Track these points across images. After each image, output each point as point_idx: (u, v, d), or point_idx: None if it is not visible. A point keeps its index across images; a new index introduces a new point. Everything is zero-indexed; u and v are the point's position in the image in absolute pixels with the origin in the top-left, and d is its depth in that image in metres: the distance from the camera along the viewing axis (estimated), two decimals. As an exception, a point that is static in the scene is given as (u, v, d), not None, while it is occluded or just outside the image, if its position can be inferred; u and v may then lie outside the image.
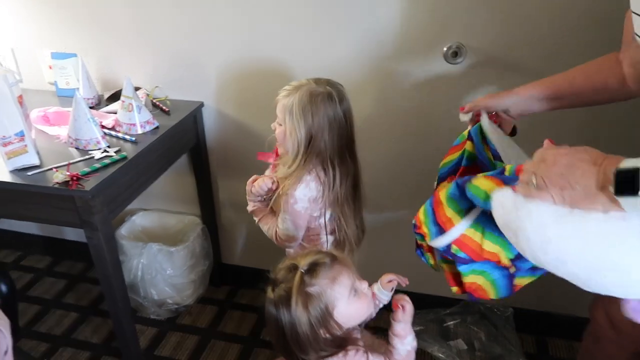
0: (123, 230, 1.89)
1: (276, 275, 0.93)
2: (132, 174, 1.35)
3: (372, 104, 1.56)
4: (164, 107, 1.60)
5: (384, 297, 1.09)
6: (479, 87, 1.45)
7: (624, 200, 0.61)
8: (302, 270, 0.90)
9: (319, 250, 0.98)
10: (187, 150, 1.72)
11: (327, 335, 0.90)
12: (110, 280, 1.40)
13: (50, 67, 1.72)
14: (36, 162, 1.30)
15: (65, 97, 1.71)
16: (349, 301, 0.92)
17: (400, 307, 0.98)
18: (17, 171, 1.29)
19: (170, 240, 1.89)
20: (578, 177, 0.65)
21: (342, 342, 0.93)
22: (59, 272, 2.20)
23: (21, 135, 1.26)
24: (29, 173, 1.28)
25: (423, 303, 1.79)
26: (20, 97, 1.29)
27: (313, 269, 0.91)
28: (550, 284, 1.66)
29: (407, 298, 0.99)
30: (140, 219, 1.98)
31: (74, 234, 2.20)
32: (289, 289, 0.89)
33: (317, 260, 0.92)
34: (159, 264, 1.80)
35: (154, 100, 1.62)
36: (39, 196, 1.28)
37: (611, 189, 0.62)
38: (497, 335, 1.73)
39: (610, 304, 1.10)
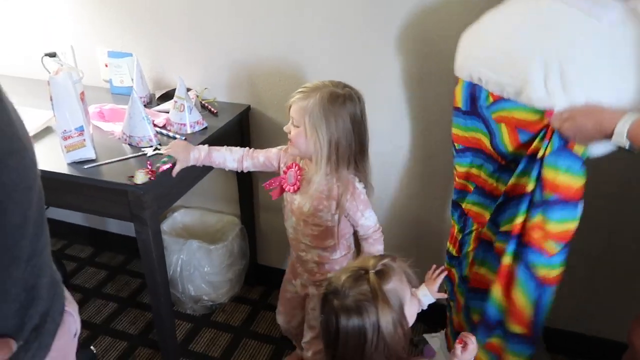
0: (165, 226, 1.99)
1: (341, 285, 0.91)
2: (181, 172, 1.44)
3: (413, 114, 1.61)
4: (212, 109, 1.68)
5: (426, 303, 1.13)
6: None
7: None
8: (374, 272, 0.92)
9: (376, 256, 1.00)
10: (231, 150, 1.80)
11: (402, 336, 0.92)
12: (155, 275, 1.48)
13: (106, 65, 1.83)
14: (93, 156, 1.40)
15: (119, 94, 1.82)
16: (410, 300, 0.96)
17: (463, 344, 1.00)
18: (74, 164, 1.39)
19: (209, 238, 1.97)
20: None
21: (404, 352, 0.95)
22: (101, 262, 2.33)
23: (81, 130, 1.36)
24: (86, 166, 1.38)
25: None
26: (82, 93, 1.39)
27: (384, 270, 0.93)
28: (588, 305, 1.68)
29: (473, 339, 1.01)
30: (181, 215, 2.07)
31: (116, 227, 2.32)
32: (367, 291, 0.89)
33: (384, 262, 0.95)
34: (198, 260, 1.89)
35: (203, 102, 1.71)
36: (94, 189, 1.38)
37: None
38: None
39: None
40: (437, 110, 1.57)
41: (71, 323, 0.76)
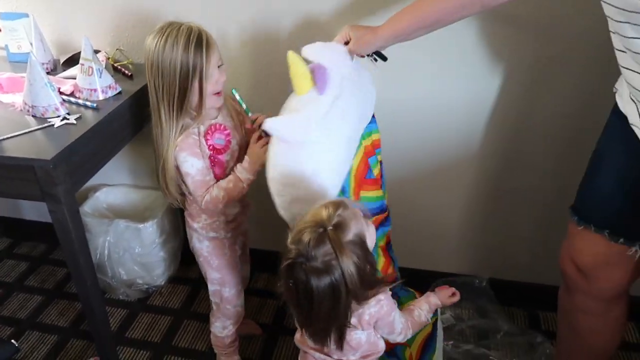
0: (86, 207, 1.94)
1: (307, 248, 0.97)
2: (96, 141, 1.40)
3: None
4: (126, 71, 1.64)
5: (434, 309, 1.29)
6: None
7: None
8: (332, 227, 0.98)
9: (326, 204, 1.04)
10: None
11: (372, 266, 1.04)
12: (77, 258, 1.45)
13: (0, 30, 1.74)
14: (-10, 131, 1.34)
15: (18, 62, 1.72)
16: (368, 230, 1.04)
17: (452, 294, 1.26)
18: (-30, 142, 1.33)
19: (137, 216, 1.94)
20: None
21: (380, 282, 1.08)
22: (20, 254, 2.26)
23: (-26, 103, 1.30)
24: (-16, 144, 1.32)
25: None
26: (-29, 61, 1.32)
27: (341, 221, 0.99)
28: (540, 254, 1.79)
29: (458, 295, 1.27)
30: (104, 195, 2.03)
31: (34, 214, 2.25)
32: (330, 250, 0.96)
33: (338, 212, 1.00)
34: (127, 242, 1.86)
35: (116, 64, 1.66)
36: (-3, 168, 1.33)
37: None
38: (478, 308, 1.84)
39: (574, 250, 1.22)
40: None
41: None
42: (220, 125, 1.40)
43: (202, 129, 1.38)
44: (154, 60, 1.29)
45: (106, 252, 1.86)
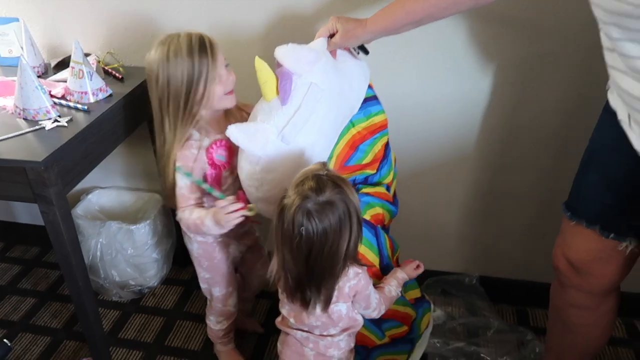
0: (79, 210, 1.95)
1: (311, 190, 1.01)
2: (87, 144, 1.41)
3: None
4: (116, 74, 1.65)
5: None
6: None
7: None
8: (327, 170, 1.07)
9: (314, 165, 1.10)
10: (144, 120, 1.77)
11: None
12: (70, 259, 1.46)
13: (-10, 34, 1.75)
14: (-18, 134, 1.36)
15: (8, 66, 1.74)
16: None
17: (417, 267, 1.34)
18: (-38, 144, 1.34)
19: (129, 218, 1.96)
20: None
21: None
22: (13, 257, 2.27)
23: (-35, 106, 1.31)
24: (-25, 146, 1.33)
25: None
26: (-38, 65, 1.34)
27: (331, 171, 1.08)
28: (531, 252, 1.81)
29: (422, 266, 1.36)
30: (96, 197, 2.03)
31: (26, 217, 2.25)
32: (334, 185, 1.03)
33: (327, 167, 1.09)
34: (119, 243, 1.87)
35: (106, 67, 1.68)
36: (-13, 170, 1.34)
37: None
38: (468, 305, 1.86)
39: (566, 245, 1.23)
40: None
41: None
42: (224, 141, 1.38)
43: (207, 142, 1.38)
44: (158, 72, 1.28)
45: (99, 253, 1.87)
